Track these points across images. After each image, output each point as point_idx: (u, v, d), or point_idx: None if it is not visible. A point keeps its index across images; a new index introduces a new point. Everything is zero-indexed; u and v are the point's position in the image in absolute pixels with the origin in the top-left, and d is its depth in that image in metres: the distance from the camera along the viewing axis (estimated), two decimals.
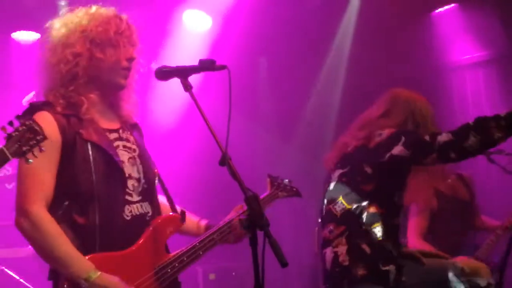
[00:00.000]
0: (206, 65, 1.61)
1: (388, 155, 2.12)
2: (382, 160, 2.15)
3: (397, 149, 2.10)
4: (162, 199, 1.92)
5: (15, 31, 4.18)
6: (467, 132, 1.94)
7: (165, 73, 1.64)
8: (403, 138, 2.11)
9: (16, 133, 1.40)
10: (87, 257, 1.60)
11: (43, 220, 1.59)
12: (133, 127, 1.89)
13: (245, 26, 4.40)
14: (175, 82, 1.64)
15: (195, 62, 1.63)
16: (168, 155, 3.74)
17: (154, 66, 1.66)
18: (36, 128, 1.42)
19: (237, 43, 4.47)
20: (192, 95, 1.58)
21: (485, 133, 1.92)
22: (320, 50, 4.81)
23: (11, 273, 3.29)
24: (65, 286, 1.59)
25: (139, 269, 1.69)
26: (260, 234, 1.45)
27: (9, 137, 1.40)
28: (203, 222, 1.95)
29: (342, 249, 2.14)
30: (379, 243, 2.14)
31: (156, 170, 1.86)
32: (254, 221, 1.44)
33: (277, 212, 2.98)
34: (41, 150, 1.42)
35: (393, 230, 2.22)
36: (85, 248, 1.62)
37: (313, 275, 5.31)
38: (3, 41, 4.17)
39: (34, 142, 1.42)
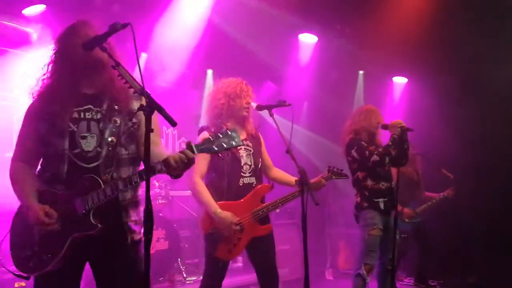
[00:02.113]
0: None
1: (350, 154, 3.92)
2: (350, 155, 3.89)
3: (353, 153, 3.81)
4: (280, 172, 3.41)
5: None
6: (384, 158, 3.74)
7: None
8: (355, 147, 3.76)
9: (215, 136, 2.05)
10: (218, 203, 2.98)
11: (199, 185, 3.01)
12: (254, 137, 3.22)
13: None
14: None
15: None
16: None
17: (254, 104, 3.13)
18: (233, 135, 2.06)
19: None
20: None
21: (390, 155, 3.73)
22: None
23: None
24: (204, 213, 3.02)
25: (245, 210, 3.05)
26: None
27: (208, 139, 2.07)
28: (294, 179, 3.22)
29: (358, 196, 3.95)
30: (371, 189, 3.81)
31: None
32: (302, 181, 2.74)
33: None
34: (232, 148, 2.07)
35: (377, 180, 3.88)
36: (218, 198, 3.01)
37: None
38: None
39: (225, 145, 2.03)
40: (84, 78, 2.13)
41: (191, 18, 5.28)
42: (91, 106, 2.12)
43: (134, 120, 2.18)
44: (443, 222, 6.02)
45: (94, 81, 2.15)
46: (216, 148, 2.04)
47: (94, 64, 2.10)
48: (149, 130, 1.79)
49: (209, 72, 6.72)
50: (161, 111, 1.84)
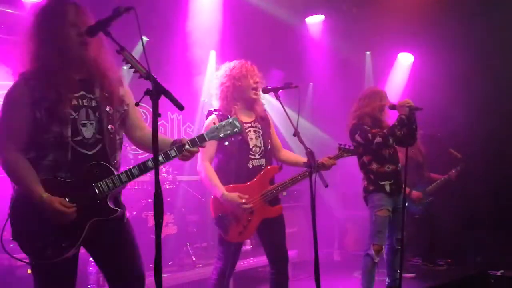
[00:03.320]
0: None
1: (354, 139, 3.88)
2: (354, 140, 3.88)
3: (357, 137, 3.80)
4: (289, 154, 3.41)
5: None
6: (387, 138, 3.77)
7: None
8: (358, 132, 3.75)
9: (219, 125, 2.26)
10: (227, 186, 2.97)
11: (207, 170, 2.99)
12: (263, 119, 3.18)
13: None
14: None
15: None
16: None
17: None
18: (235, 123, 2.26)
19: None
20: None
21: (394, 136, 3.76)
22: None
23: None
24: (212, 197, 3.03)
25: (254, 192, 3.03)
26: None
27: (214, 128, 2.27)
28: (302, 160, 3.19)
29: (365, 179, 3.99)
30: (376, 172, 3.82)
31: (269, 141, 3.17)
32: (310, 163, 2.69)
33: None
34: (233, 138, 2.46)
35: (382, 163, 3.89)
36: (227, 181, 2.99)
37: None
38: None
39: (230, 132, 2.26)
40: (72, 61, 2.11)
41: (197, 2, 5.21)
42: (84, 93, 2.14)
43: (124, 107, 2.26)
44: (451, 202, 6.02)
45: (81, 64, 2.14)
46: (221, 135, 2.26)
47: (82, 46, 2.10)
48: (156, 114, 1.77)
49: (212, 53, 6.59)
50: (168, 95, 1.82)
